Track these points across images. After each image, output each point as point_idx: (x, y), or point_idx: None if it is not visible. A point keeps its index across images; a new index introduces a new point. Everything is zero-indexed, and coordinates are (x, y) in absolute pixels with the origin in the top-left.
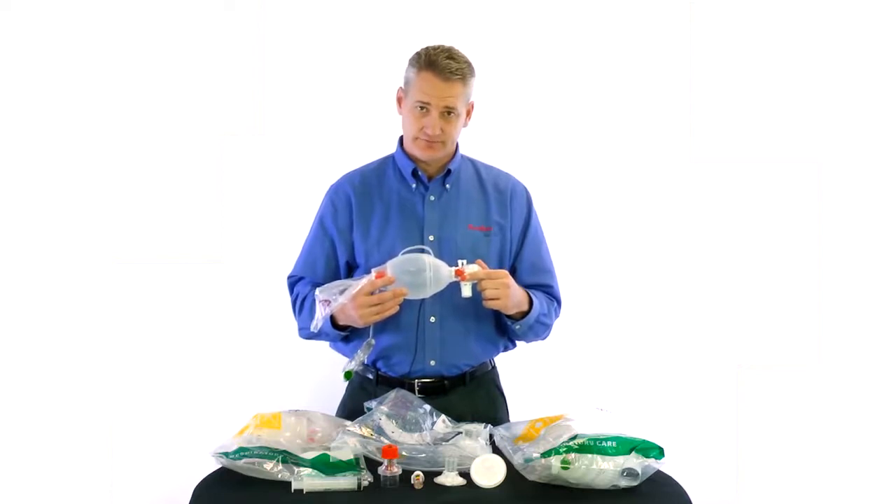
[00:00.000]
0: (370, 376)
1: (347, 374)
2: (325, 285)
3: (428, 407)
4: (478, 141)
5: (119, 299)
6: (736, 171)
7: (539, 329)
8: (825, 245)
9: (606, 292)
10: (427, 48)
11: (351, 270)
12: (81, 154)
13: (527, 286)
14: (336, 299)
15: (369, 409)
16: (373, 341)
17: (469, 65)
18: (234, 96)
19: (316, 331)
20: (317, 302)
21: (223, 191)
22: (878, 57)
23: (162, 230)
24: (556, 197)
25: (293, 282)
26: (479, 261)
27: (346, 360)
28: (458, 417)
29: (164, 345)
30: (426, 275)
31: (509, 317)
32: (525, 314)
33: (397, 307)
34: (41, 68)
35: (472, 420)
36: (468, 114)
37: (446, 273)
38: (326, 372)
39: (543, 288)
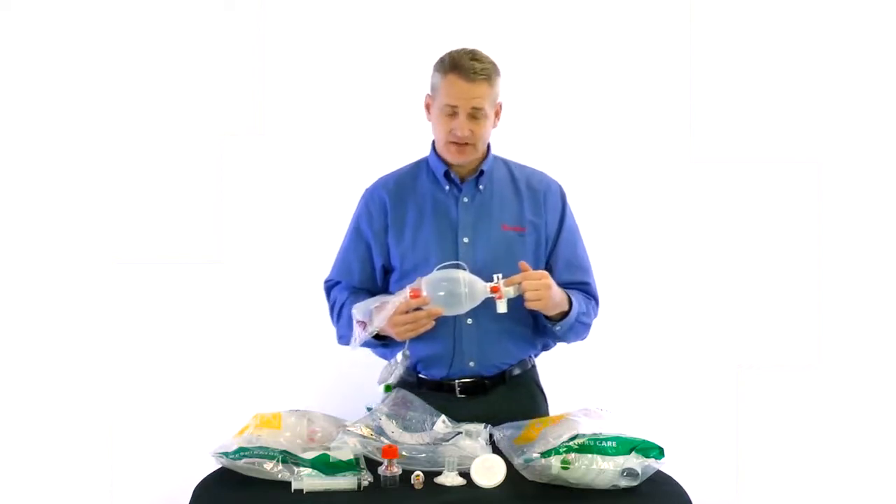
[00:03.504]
0: (411, 380)
1: (387, 388)
2: (361, 304)
3: (428, 407)
4: None
5: (119, 299)
6: (736, 171)
7: (579, 329)
8: (825, 245)
9: (606, 292)
10: (450, 52)
11: (387, 273)
12: (81, 154)
13: (563, 284)
14: (371, 321)
15: (369, 409)
16: (408, 352)
17: (493, 65)
18: (234, 96)
19: (354, 349)
20: (354, 322)
21: (223, 191)
22: (878, 57)
23: (162, 230)
24: None
25: (329, 286)
26: (524, 262)
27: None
28: (499, 416)
29: (164, 345)
30: (461, 291)
31: (548, 318)
32: (565, 315)
33: (433, 323)
34: (41, 68)
35: (513, 419)
36: (497, 114)
37: (481, 289)
38: (327, 372)
39: (580, 286)
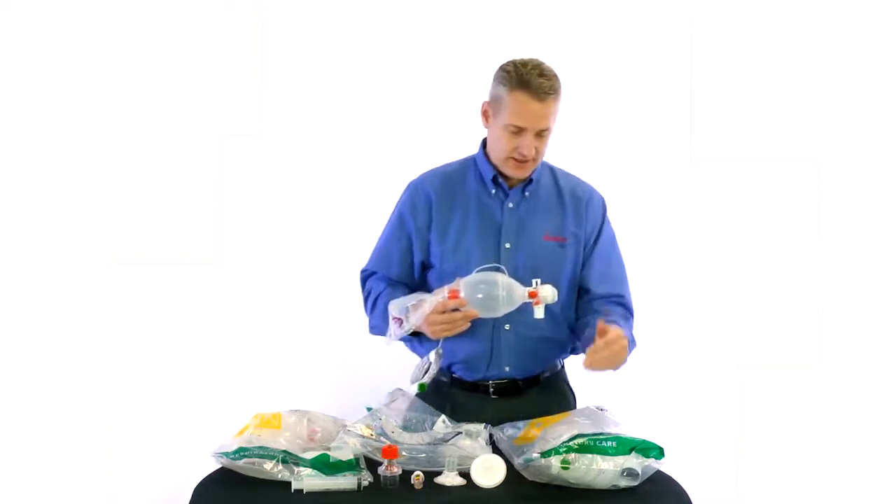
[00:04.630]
0: (445, 379)
1: (422, 387)
2: (398, 300)
3: (428, 407)
4: (476, 140)
5: (119, 299)
6: (736, 172)
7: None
8: (825, 245)
9: None
10: (515, 64)
11: (424, 269)
12: (82, 154)
13: (599, 297)
14: (408, 318)
15: (369, 410)
16: (441, 351)
17: (558, 78)
18: (234, 96)
19: (389, 344)
20: (390, 318)
21: (223, 191)
22: (877, 57)
23: (162, 230)
24: None
25: (366, 276)
26: (601, 323)
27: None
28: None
29: (164, 345)
30: (499, 294)
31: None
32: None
33: (468, 325)
34: (41, 68)
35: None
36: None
37: (519, 294)
38: (327, 372)
39: (615, 298)
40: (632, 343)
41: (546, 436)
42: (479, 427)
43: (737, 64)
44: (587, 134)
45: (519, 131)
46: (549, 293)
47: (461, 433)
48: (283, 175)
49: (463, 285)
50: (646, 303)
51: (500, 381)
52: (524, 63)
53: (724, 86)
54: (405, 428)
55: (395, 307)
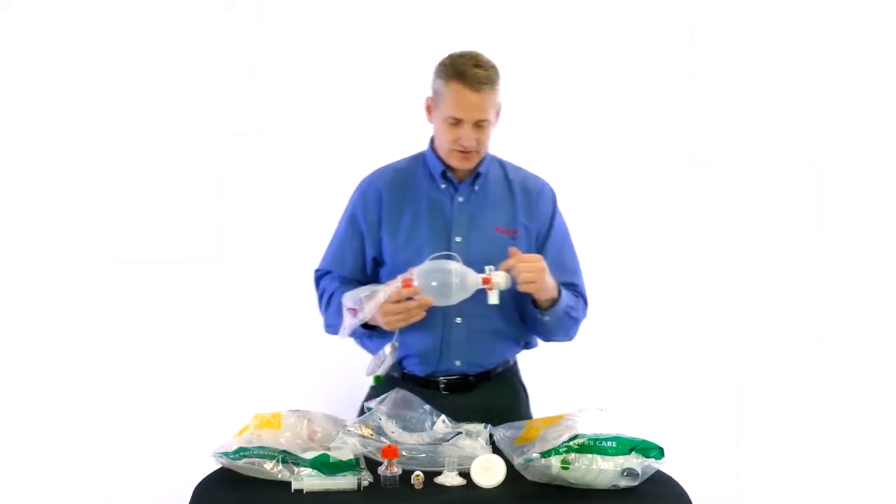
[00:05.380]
0: (396, 374)
1: (377, 379)
2: (352, 291)
3: (428, 407)
4: None
5: (119, 299)
6: (736, 171)
7: (568, 324)
8: (825, 245)
9: (606, 292)
10: (452, 57)
11: (377, 266)
12: (82, 154)
13: None
14: (363, 308)
15: (369, 409)
16: (397, 343)
17: (495, 69)
18: (234, 96)
19: (343, 339)
20: (344, 309)
21: (223, 190)
22: (877, 57)
23: (162, 230)
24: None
25: (320, 276)
26: (513, 248)
27: (368, 357)
28: (482, 413)
29: (163, 345)
30: (453, 281)
31: (536, 306)
32: (554, 302)
33: (423, 313)
34: (41, 68)
35: (496, 415)
36: (497, 115)
37: (473, 280)
38: (327, 371)
39: (568, 287)
40: (574, 322)
41: (546, 436)
42: (479, 427)
43: (737, 63)
44: (587, 134)
45: (458, 122)
46: (502, 279)
47: (461, 433)
48: (283, 175)
49: (416, 274)
50: (646, 303)
51: (450, 377)
52: (461, 55)
53: (724, 85)
54: (405, 428)
55: (349, 298)
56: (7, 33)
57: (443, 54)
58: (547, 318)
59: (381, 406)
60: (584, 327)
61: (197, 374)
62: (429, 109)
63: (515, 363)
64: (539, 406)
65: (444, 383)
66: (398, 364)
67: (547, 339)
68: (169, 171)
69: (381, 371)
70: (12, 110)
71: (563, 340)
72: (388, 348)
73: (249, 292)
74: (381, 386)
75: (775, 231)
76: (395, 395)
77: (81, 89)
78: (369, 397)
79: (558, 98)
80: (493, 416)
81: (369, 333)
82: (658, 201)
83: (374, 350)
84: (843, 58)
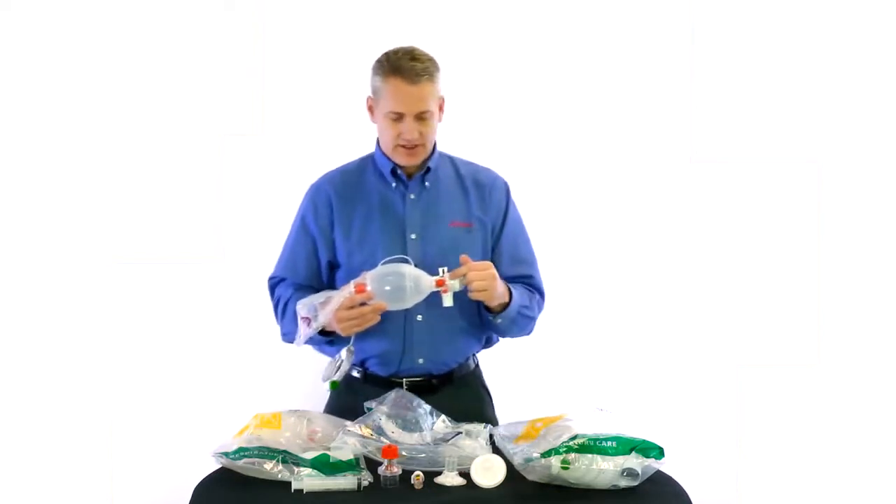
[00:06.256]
0: (357, 375)
1: (333, 384)
2: (305, 299)
3: (428, 407)
4: (476, 140)
5: (119, 299)
6: (736, 171)
7: (522, 323)
8: (825, 245)
9: (606, 292)
10: (388, 53)
11: (332, 269)
12: (82, 154)
13: (508, 278)
14: (317, 316)
15: (369, 409)
16: (352, 348)
17: (433, 61)
18: (234, 96)
19: (299, 347)
20: (298, 318)
21: (223, 190)
22: (877, 57)
23: (162, 230)
24: (555, 197)
25: (274, 284)
26: (464, 256)
27: (328, 361)
28: (445, 415)
29: (163, 344)
30: (406, 285)
31: (489, 311)
32: (505, 307)
33: (378, 318)
34: (41, 68)
35: (459, 419)
36: (440, 109)
37: (427, 283)
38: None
39: (524, 279)
40: (529, 320)
41: (546, 436)
42: (479, 427)
43: (737, 63)
44: (587, 134)
45: (399, 117)
46: (456, 281)
47: (461, 433)
48: (283, 175)
49: (370, 278)
50: (646, 303)
51: (413, 378)
52: (395, 51)
53: (724, 85)
54: (405, 428)
55: (303, 307)
56: (7, 33)
57: (443, 54)
58: (499, 321)
59: (381, 406)
60: (585, 327)
61: (197, 375)
62: (370, 109)
63: (478, 366)
64: (504, 409)
65: (406, 385)
66: (360, 365)
67: (503, 336)
68: (169, 171)
69: (337, 376)
70: (12, 110)
71: (519, 336)
72: (343, 352)
73: (249, 292)
74: (340, 390)
75: (775, 231)
76: (395, 395)
77: (81, 89)
78: (330, 404)
79: (558, 98)
80: (457, 420)
81: (328, 339)
82: (658, 201)
83: (333, 355)
84: (842, 58)
